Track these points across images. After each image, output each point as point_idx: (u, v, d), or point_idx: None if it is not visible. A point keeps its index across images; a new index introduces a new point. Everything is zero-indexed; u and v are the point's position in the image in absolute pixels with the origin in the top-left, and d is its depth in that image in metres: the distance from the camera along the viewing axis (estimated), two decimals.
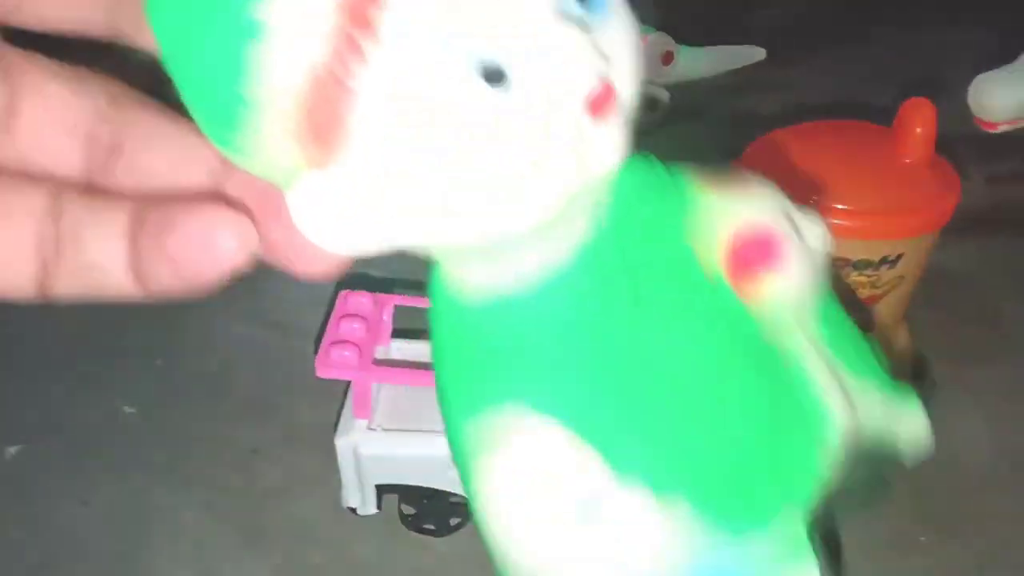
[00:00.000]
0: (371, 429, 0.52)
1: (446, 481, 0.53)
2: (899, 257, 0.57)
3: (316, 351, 0.51)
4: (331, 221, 0.21)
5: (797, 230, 0.30)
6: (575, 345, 0.26)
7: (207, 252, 0.20)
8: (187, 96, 0.20)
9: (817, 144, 0.60)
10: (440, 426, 0.45)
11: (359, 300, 0.54)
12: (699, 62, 1.06)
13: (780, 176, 0.56)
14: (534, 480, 0.26)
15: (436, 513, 0.56)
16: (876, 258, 0.57)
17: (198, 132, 0.20)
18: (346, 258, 0.22)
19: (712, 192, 0.30)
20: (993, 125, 0.57)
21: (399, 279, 0.72)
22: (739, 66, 1.13)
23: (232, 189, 0.22)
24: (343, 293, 0.55)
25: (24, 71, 0.22)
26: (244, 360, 0.72)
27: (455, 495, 0.55)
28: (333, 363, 0.50)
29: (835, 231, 0.56)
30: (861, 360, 0.33)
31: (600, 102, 0.21)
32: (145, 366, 0.72)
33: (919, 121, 0.57)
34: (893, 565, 0.55)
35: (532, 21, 0.20)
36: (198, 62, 0.19)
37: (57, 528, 0.58)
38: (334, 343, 0.51)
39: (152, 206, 0.21)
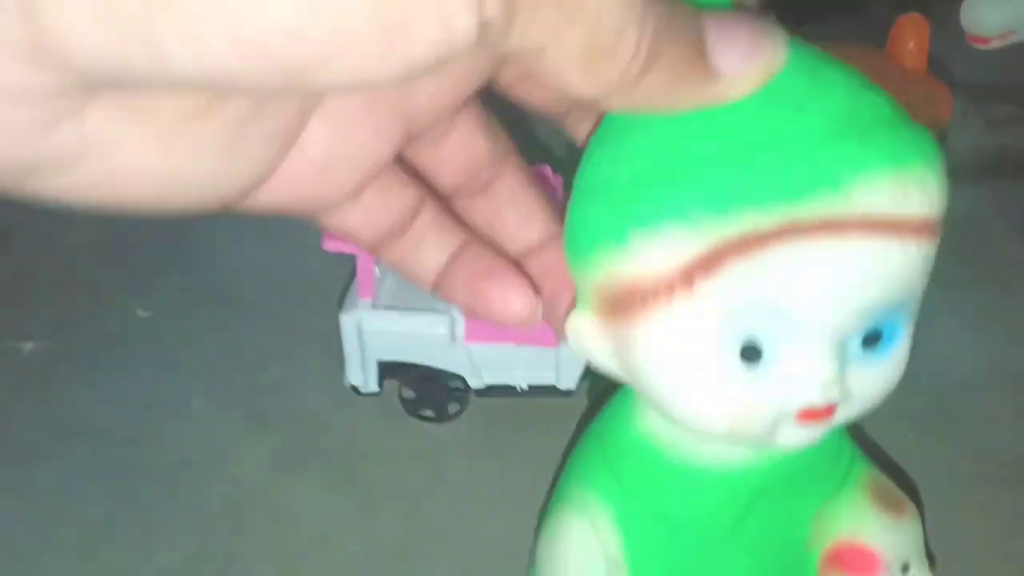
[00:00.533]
0: (375, 307, 0.54)
1: (445, 360, 0.55)
2: None
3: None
4: (583, 350, 0.30)
5: (907, 571, 0.36)
6: (692, 517, 0.34)
7: (502, 304, 0.28)
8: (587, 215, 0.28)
9: None
10: (441, 306, 0.50)
11: None
12: None
13: None
14: (575, 560, 0.35)
15: (435, 399, 0.57)
16: None
17: (544, 206, 0.29)
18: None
19: (865, 498, 0.35)
20: (985, 40, 0.59)
21: None
22: None
23: (543, 262, 0.29)
24: None
25: None
26: (256, 274, 0.74)
27: (455, 382, 0.57)
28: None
29: None
30: None
31: (809, 416, 0.28)
32: (161, 277, 0.74)
33: (913, 35, 0.59)
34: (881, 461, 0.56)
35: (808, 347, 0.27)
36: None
37: (70, 413, 0.61)
38: None
39: (482, 245, 0.28)
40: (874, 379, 0.29)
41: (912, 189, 0.26)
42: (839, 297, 0.26)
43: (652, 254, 0.26)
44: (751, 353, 0.27)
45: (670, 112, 0.25)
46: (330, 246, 0.52)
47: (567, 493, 0.36)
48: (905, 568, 0.35)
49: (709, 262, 0.25)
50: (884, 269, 0.26)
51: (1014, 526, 0.51)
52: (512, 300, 0.28)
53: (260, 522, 0.52)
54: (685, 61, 0.22)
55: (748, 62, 0.24)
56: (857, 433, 0.44)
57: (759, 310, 0.26)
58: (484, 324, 0.53)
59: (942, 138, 0.60)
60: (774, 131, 0.25)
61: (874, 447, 0.54)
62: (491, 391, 0.57)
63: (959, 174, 0.80)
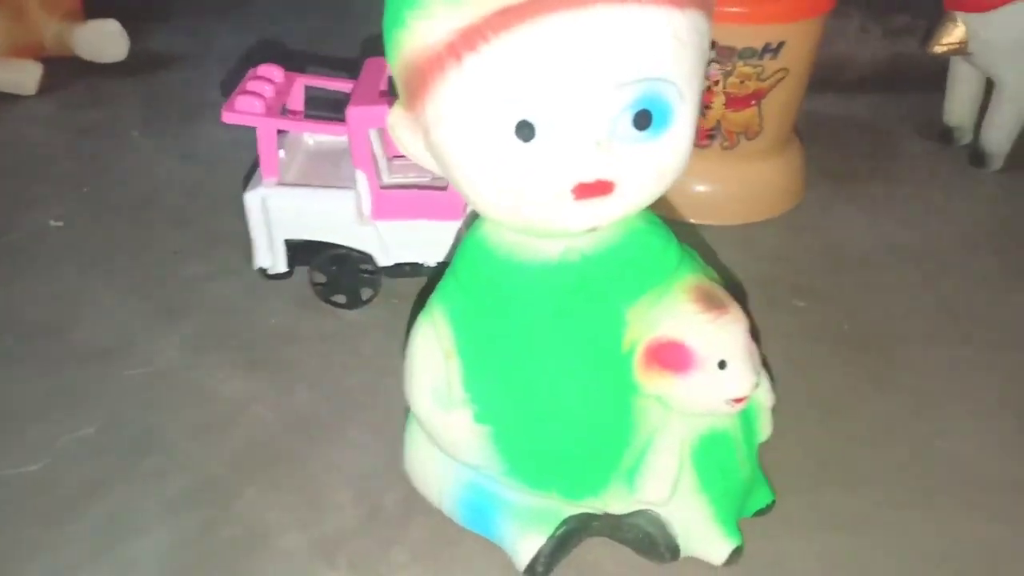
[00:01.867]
0: (280, 185, 0.55)
1: (353, 239, 0.56)
2: (781, 45, 0.61)
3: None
4: (403, 144, 0.34)
5: (724, 368, 0.37)
6: (512, 309, 0.37)
7: None
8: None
9: None
10: (346, 184, 0.56)
11: (270, 69, 0.57)
12: None
13: None
14: (418, 357, 0.40)
15: (347, 283, 0.58)
16: (759, 45, 0.61)
17: None
18: None
19: (685, 298, 0.37)
20: None
21: (313, 56, 0.73)
22: None
23: None
24: (253, 66, 0.58)
25: None
26: (169, 187, 0.75)
27: (365, 263, 0.57)
28: (238, 109, 0.53)
29: (723, 18, 0.61)
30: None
31: (584, 191, 0.31)
32: (73, 191, 0.74)
33: None
34: (773, 323, 0.58)
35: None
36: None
37: None
38: (241, 94, 0.53)
39: None
40: (648, 159, 0.32)
41: None
42: (594, 70, 0.29)
43: (422, 30, 0.30)
44: (525, 130, 0.30)
45: None
46: (229, 119, 0.53)
47: (425, 306, 0.40)
48: (722, 365, 0.36)
49: (471, 34, 0.29)
50: (630, 38, 0.29)
51: (867, 385, 0.54)
52: None
53: (175, 398, 0.53)
54: None
55: None
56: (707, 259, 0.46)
57: (525, 87, 0.29)
58: (391, 201, 0.54)
59: None
60: None
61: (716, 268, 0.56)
62: (399, 270, 0.58)
63: (862, 82, 0.83)
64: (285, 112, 0.56)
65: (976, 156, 0.76)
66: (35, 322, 0.59)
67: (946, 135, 0.79)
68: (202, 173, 0.76)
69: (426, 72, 0.30)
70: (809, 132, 0.73)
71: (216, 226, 0.68)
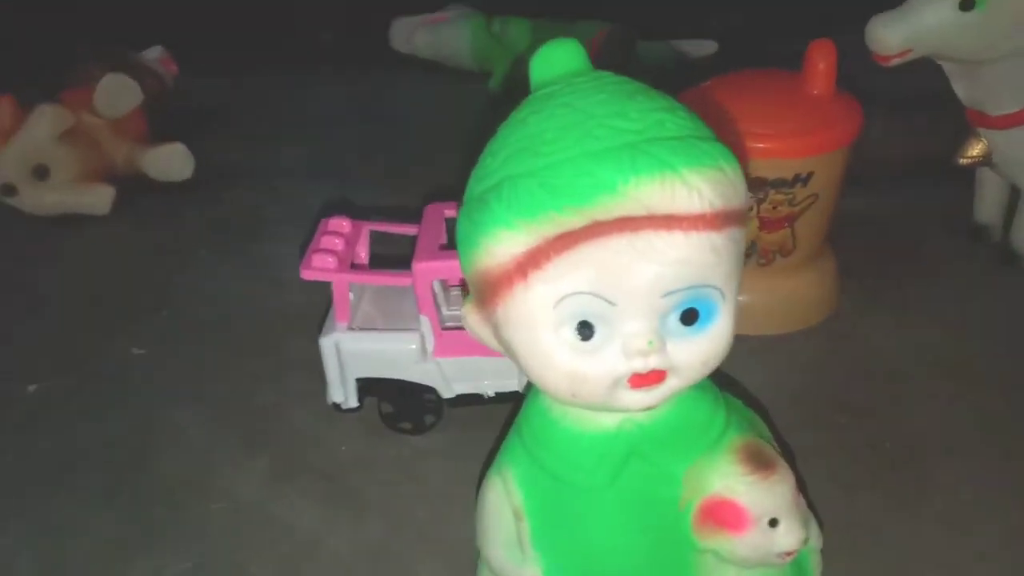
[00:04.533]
0: (351, 329, 0.60)
1: (418, 374, 0.61)
2: (810, 175, 0.65)
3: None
4: (475, 332, 0.39)
5: (776, 525, 0.41)
6: (575, 474, 0.40)
7: None
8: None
9: (740, 88, 0.69)
10: (409, 323, 0.54)
11: (339, 222, 0.62)
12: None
13: (713, 116, 0.65)
14: (491, 513, 0.43)
15: (412, 412, 0.63)
16: (790, 176, 0.65)
17: None
18: None
19: (735, 459, 0.40)
20: (887, 59, 0.66)
21: (378, 208, 0.80)
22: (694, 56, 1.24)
23: None
24: (324, 219, 0.63)
25: None
26: (240, 309, 0.80)
27: (429, 394, 0.62)
28: (315, 267, 0.58)
29: (755, 154, 0.65)
30: None
31: (639, 381, 0.36)
32: (152, 316, 0.80)
33: (822, 58, 0.66)
34: (820, 443, 0.62)
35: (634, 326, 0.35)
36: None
37: (77, 445, 0.65)
38: (316, 251, 0.59)
39: None
40: (695, 351, 0.36)
41: (679, 189, 0.33)
42: (644, 282, 0.34)
43: (494, 253, 0.34)
44: (585, 329, 0.35)
45: None
46: (307, 276, 0.58)
47: (495, 462, 0.44)
48: (773, 523, 0.40)
49: (536, 255, 0.33)
50: (675, 255, 0.33)
51: (903, 506, 0.56)
52: None
53: (258, 531, 0.57)
54: None
55: None
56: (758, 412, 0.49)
57: (584, 295, 0.34)
58: (452, 341, 0.59)
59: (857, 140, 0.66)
60: (575, 151, 0.33)
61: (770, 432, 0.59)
62: (461, 400, 0.62)
63: (887, 179, 0.87)
64: (354, 265, 0.61)
65: (1006, 256, 0.79)
66: (124, 455, 0.64)
67: (976, 233, 0.82)
68: (269, 292, 0.81)
69: (496, 284, 0.35)
70: (841, 232, 0.76)
71: (286, 350, 0.73)
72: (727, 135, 0.65)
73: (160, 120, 1.05)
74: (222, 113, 1.20)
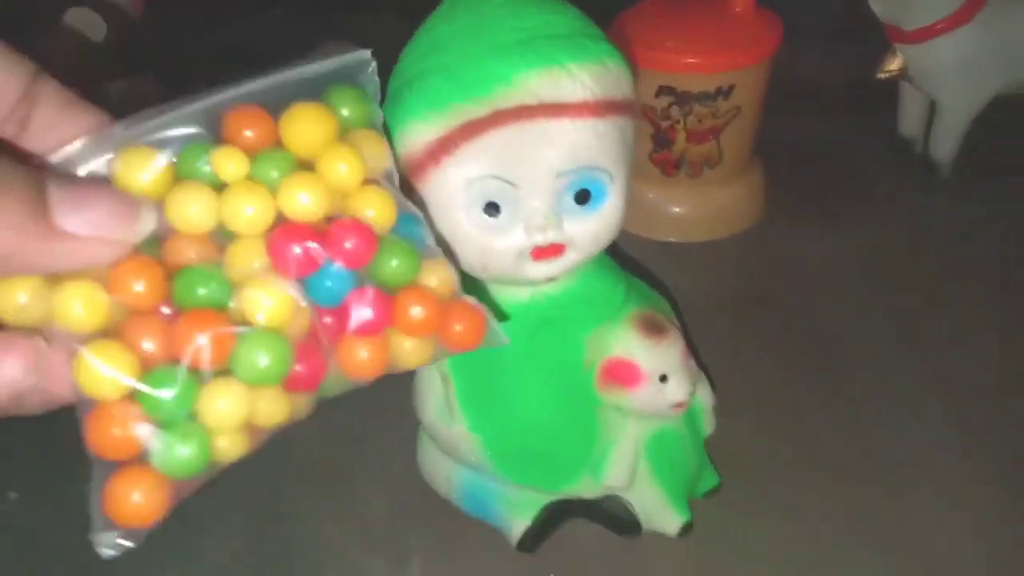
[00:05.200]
0: None
1: None
2: (731, 88, 0.70)
3: None
4: None
5: (666, 380, 0.47)
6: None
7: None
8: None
9: (671, 7, 0.74)
10: None
11: None
12: None
13: (645, 35, 0.70)
14: (423, 382, 0.50)
15: None
16: (712, 89, 0.70)
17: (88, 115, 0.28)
18: None
19: (632, 326, 0.46)
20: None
21: None
22: None
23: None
24: None
25: None
26: None
27: None
28: None
29: (681, 68, 0.70)
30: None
31: (540, 253, 0.41)
32: None
33: None
34: (735, 330, 0.68)
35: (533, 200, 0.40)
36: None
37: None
38: None
39: None
40: (588, 227, 0.42)
41: (564, 80, 0.38)
42: (540, 164, 0.39)
43: (410, 141, 0.40)
44: (491, 209, 0.40)
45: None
46: None
47: None
48: (664, 379, 0.47)
49: (445, 143, 0.39)
50: (566, 139, 0.39)
51: (815, 386, 0.63)
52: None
53: None
54: (22, 216, 0.23)
55: (98, 227, 0.25)
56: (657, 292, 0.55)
57: (489, 178, 0.40)
58: None
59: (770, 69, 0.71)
60: (476, 49, 0.39)
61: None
62: None
63: (816, 100, 0.92)
64: None
65: (927, 166, 0.84)
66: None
67: (900, 145, 0.88)
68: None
69: (415, 169, 0.40)
70: (770, 149, 0.82)
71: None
72: (657, 53, 0.71)
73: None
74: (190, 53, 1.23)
